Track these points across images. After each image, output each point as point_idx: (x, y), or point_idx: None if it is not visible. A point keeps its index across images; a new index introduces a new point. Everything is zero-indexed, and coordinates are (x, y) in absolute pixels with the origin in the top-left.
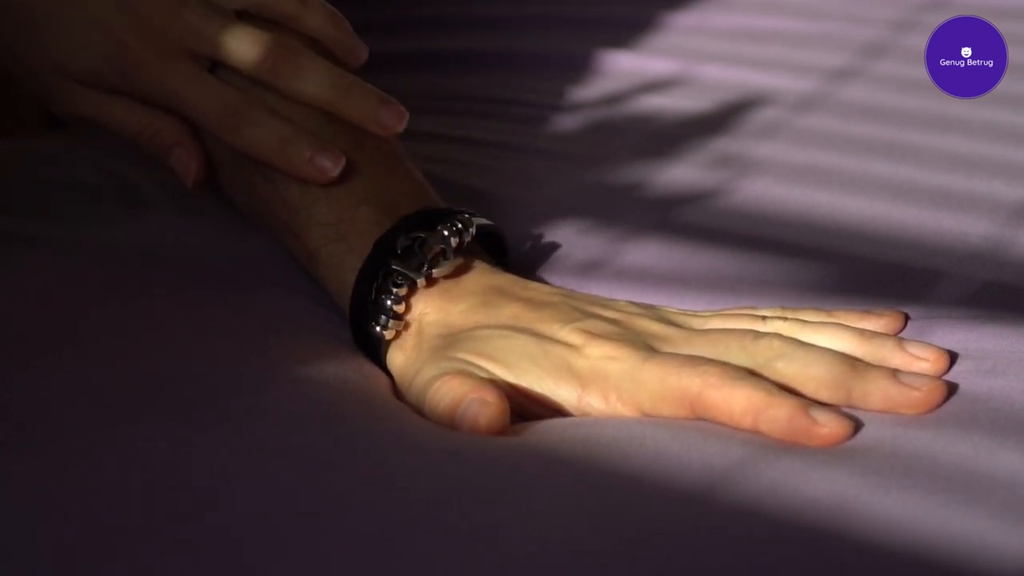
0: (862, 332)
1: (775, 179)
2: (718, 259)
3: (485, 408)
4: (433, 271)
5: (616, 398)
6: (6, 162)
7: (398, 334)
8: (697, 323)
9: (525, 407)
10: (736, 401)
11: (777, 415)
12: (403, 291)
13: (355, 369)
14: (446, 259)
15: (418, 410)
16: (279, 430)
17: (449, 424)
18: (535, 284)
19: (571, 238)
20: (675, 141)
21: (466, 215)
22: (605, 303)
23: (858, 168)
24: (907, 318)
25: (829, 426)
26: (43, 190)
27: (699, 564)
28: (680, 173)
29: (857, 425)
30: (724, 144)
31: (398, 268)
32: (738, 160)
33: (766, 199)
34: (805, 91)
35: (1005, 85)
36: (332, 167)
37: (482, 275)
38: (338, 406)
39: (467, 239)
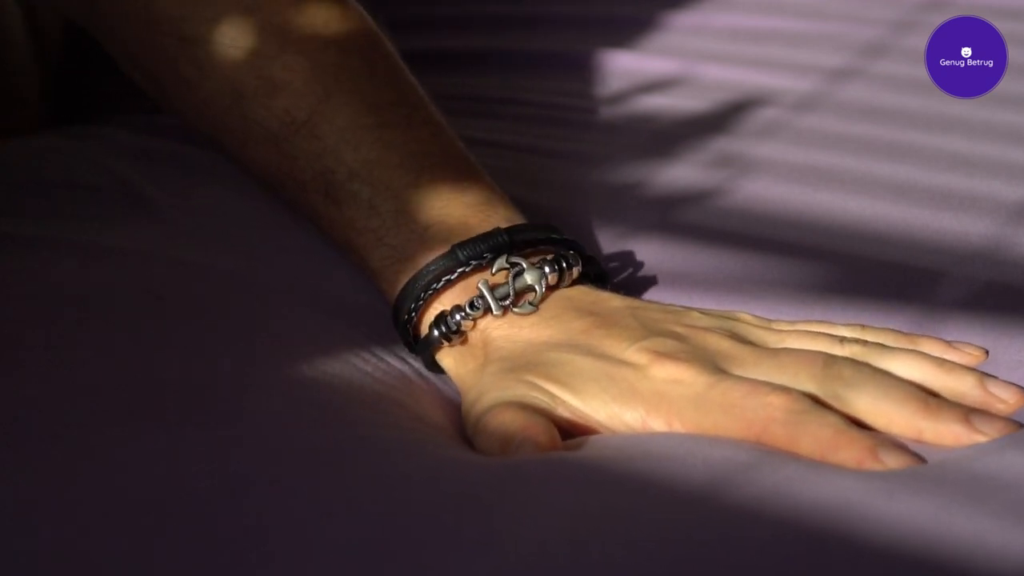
0: (942, 363)
1: (775, 179)
2: (718, 259)
3: (537, 451)
4: (515, 308)
5: (679, 424)
6: (6, 162)
7: (454, 343)
8: (772, 340)
9: (588, 430)
10: (803, 440)
11: (845, 458)
12: (478, 314)
13: (364, 374)
14: (531, 304)
15: (471, 432)
16: (282, 433)
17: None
18: (606, 295)
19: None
20: (675, 141)
21: (571, 252)
22: (677, 315)
23: (858, 168)
24: (987, 354)
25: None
26: (43, 190)
27: (701, 566)
28: (680, 173)
29: (924, 462)
30: (724, 144)
31: (484, 292)
32: (738, 160)
33: (766, 199)
34: (805, 91)
35: (1005, 85)
36: None
37: (556, 288)
38: (345, 411)
39: (566, 281)
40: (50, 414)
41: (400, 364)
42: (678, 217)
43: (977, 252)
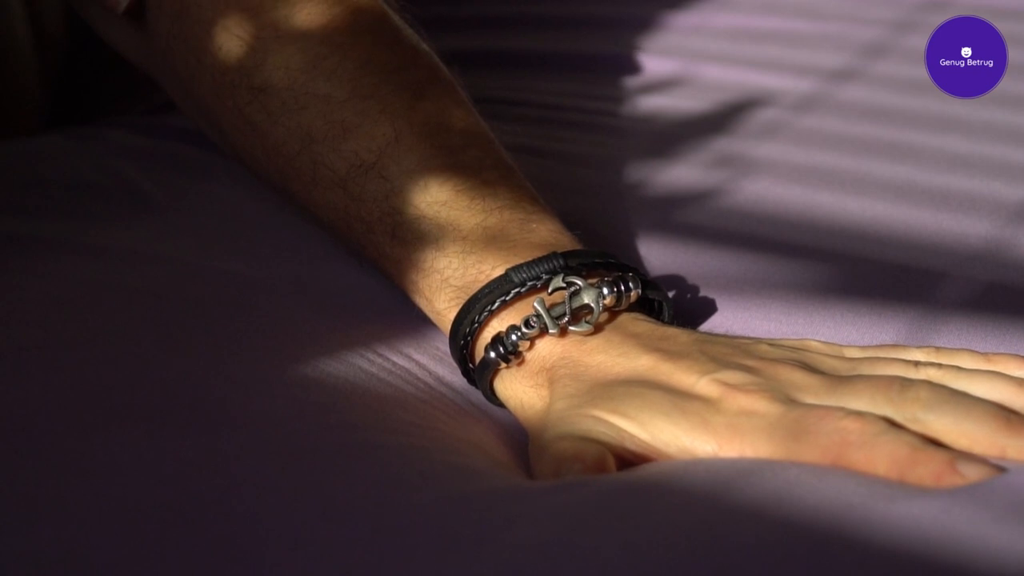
0: (1020, 382)
1: (775, 179)
2: (719, 260)
3: (584, 473)
4: (571, 327)
5: (753, 455)
6: (6, 162)
7: (511, 366)
8: (844, 368)
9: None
10: (880, 460)
11: (924, 474)
12: (534, 332)
13: (369, 375)
14: (588, 322)
15: (534, 465)
16: (282, 434)
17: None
18: (673, 331)
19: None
20: (675, 141)
21: (631, 273)
22: (745, 347)
23: (858, 168)
24: None
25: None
26: (43, 190)
27: (701, 568)
28: (680, 173)
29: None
30: (724, 144)
31: (540, 310)
32: (738, 160)
33: (767, 199)
34: (805, 91)
35: (1005, 85)
36: None
37: (621, 324)
38: (347, 413)
39: (624, 304)
40: (50, 414)
41: (405, 362)
42: (678, 218)
43: (977, 253)
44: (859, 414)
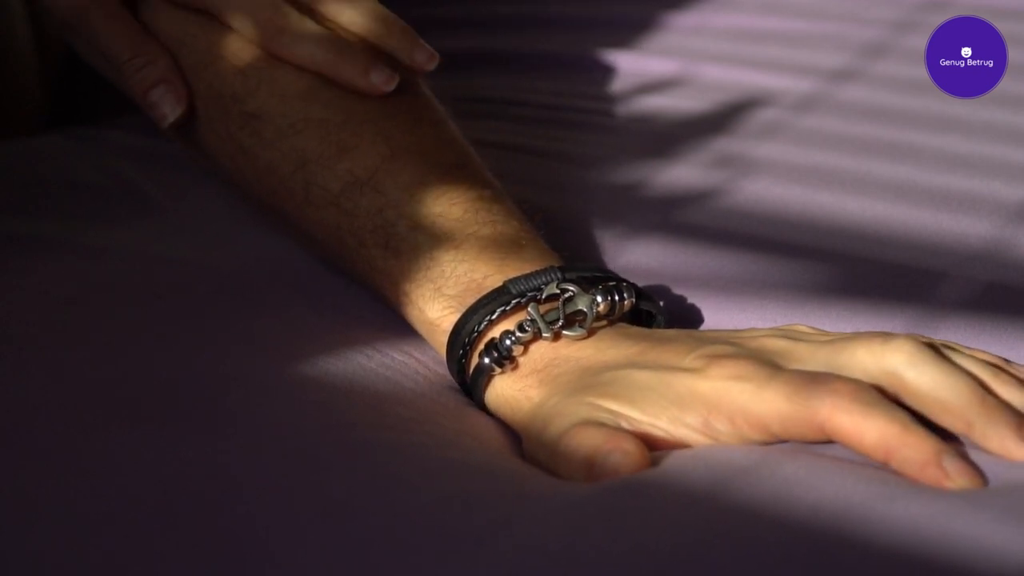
0: (997, 372)
1: (775, 179)
2: (719, 260)
3: (627, 458)
4: (564, 331)
5: (743, 420)
6: (6, 162)
7: (504, 371)
8: (824, 339)
9: (654, 441)
10: (869, 432)
11: (911, 458)
12: (528, 337)
13: (368, 371)
14: (581, 327)
15: (548, 462)
16: (282, 434)
17: (586, 476)
18: (660, 330)
19: (571, 238)
20: (675, 141)
21: (625, 283)
22: (731, 333)
23: (858, 168)
24: None
25: (959, 482)
26: (43, 190)
27: (700, 567)
28: (680, 173)
29: (985, 480)
30: (724, 144)
31: (534, 315)
32: (738, 160)
33: (766, 199)
34: (805, 91)
35: (1005, 85)
36: (385, 83)
37: (612, 328)
38: (346, 412)
39: (617, 312)
40: (50, 414)
41: (404, 357)
42: (679, 218)
43: (977, 253)
44: (853, 379)
